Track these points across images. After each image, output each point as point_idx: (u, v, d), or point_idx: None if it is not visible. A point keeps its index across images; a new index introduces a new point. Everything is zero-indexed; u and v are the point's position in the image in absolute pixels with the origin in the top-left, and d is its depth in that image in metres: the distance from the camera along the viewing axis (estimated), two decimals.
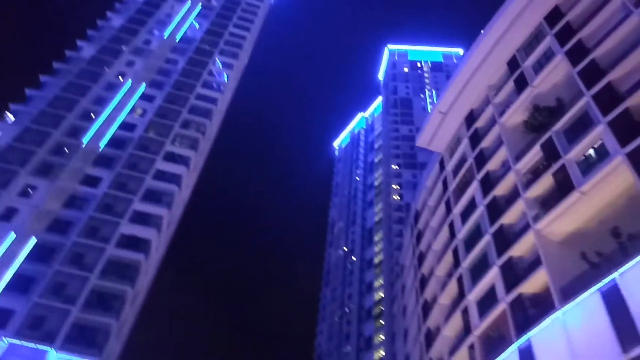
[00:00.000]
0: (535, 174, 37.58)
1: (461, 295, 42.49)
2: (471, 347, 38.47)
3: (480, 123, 49.95)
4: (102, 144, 66.70)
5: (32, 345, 45.34)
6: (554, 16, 43.37)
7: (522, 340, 32.00)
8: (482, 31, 49.50)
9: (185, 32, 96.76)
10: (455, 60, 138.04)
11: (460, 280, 43.41)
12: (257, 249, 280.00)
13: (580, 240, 32.22)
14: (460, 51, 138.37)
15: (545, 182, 35.54)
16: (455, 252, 45.85)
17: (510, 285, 35.48)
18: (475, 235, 43.26)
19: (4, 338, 45.44)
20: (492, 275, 38.20)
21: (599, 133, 32.25)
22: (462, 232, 45.34)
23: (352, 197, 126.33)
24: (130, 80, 76.80)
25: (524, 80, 43.34)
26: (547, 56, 42.27)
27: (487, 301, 38.35)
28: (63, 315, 47.76)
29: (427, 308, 50.76)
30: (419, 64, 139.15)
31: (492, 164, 44.52)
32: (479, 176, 45.24)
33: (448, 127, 56.23)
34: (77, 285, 50.17)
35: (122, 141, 68.73)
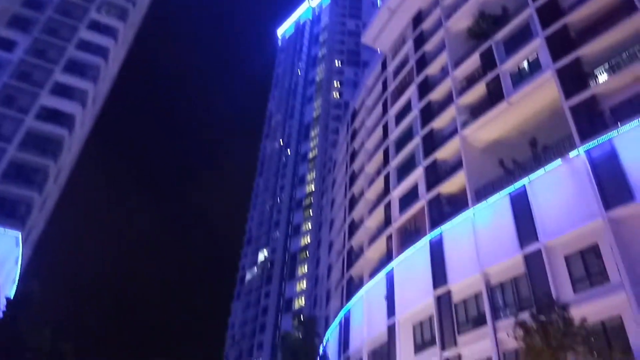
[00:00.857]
0: (470, 81, 38.59)
1: (386, 191, 45.04)
2: (389, 237, 41.77)
3: (426, 25, 49.34)
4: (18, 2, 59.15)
5: None
6: None
7: (434, 233, 35.14)
8: None
9: None
10: None
11: (387, 178, 45.72)
12: (190, 135, 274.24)
13: (500, 148, 34.43)
14: None
15: (478, 91, 36.74)
16: (386, 152, 47.69)
17: (431, 185, 37.98)
18: (406, 137, 44.89)
19: None
20: (417, 175, 40.54)
21: (536, 46, 33.10)
22: (395, 134, 46.80)
23: (292, 90, 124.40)
24: None
25: None
26: None
27: (409, 198, 41.07)
28: None
29: (353, 202, 53.62)
30: None
31: (432, 69, 44.98)
32: (418, 80, 45.75)
33: (395, 25, 55.18)
34: None
35: (40, 2, 61.37)
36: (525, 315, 18.41)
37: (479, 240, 30.99)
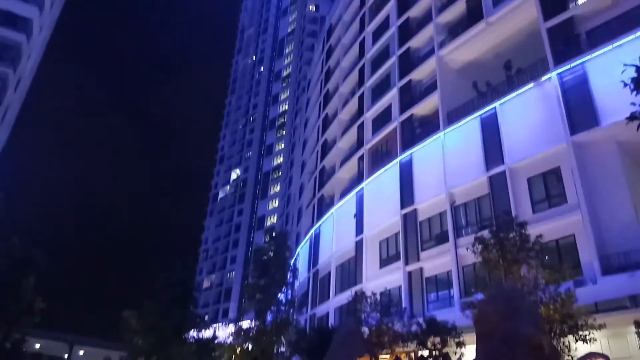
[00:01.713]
0: None
1: (360, 112, 44.78)
2: (361, 158, 42.22)
3: None
4: None
5: None
6: None
7: (405, 155, 35.64)
8: None
9: None
10: None
11: (361, 98, 45.25)
12: (160, 46, 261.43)
13: (475, 70, 34.14)
14: None
15: (459, 9, 35.65)
16: (362, 71, 46.77)
17: (405, 106, 37.86)
18: (383, 56, 43.88)
19: None
20: (391, 96, 40.22)
21: None
22: (371, 52, 45.65)
23: (266, 1, 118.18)
24: None
25: None
26: None
27: (382, 119, 41.04)
28: None
29: (327, 122, 53.30)
30: None
31: None
32: None
33: None
34: None
35: None
36: (485, 233, 19.31)
37: (447, 162, 31.63)
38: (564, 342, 15.45)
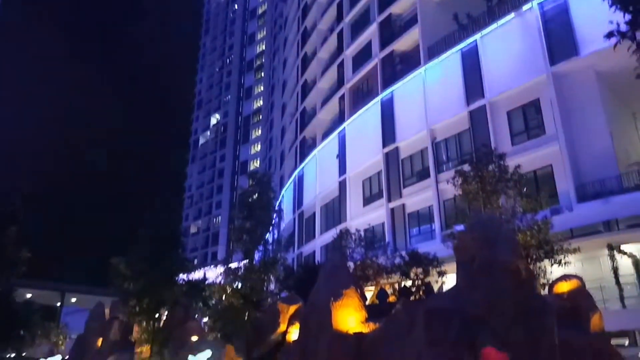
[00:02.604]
0: None
1: (340, 50, 43.74)
2: (342, 98, 41.73)
3: None
4: None
5: None
6: None
7: (386, 93, 35.32)
8: None
9: None
10: None
11: (340, 35, 44.03)
12: None
13: (455, 1, 33.21)
14: None
15: None
16: (340, 6, 45.20)
17: (385, 42, 37.05)
18: None
19: None
20: (371, 32, 39.21)
21: None
22: None
23: None
24: None
25: None
26: None
27: (362, 57, 40.22)
28: None
29: (306, 61, 52.08)
30: None
31: None
32: None
33: None
34: None
35: None
36: (465, 167, 19.61)
37: (428, 98, 31.48)
38: (539, 267, 16.17)
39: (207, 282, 22.77)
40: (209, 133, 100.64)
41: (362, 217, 34.53)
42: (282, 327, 17.61)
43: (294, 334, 16.84)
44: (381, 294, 20.10)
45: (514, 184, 16.75)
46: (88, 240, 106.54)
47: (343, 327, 14.20)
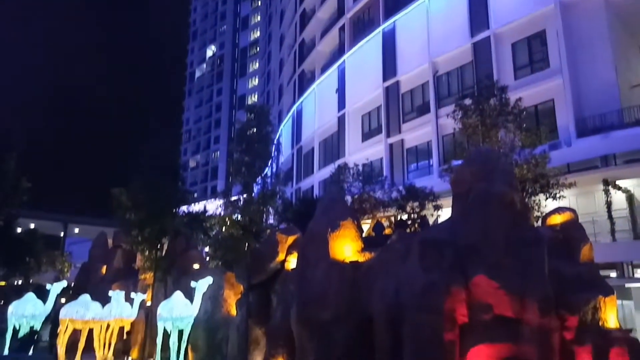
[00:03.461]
0: None
1: None
2: (342, 28, 40.37)
3: None
4: None
5: None
6: None
7: (388, 23, 34.09)
8: None
9: None
10: None
11: None
12: None
13: None
14: None
15: None
16: None
17: None
18: None
19: None
20: None
21: None
22: None
23: None
24: None
25: None
26: None
27: None
28: None
29: None
30: None
31: None
32: None
33: None
34: None
35: None
36: (466, 101, 19.34)
37: (431, 29, 30.46)
38: (534, 201, 16.41)
39: (207, 214, 23.13)
40: (205, 66, 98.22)
41: (360, 153, 34.52)
42: (281, 257, 18.13)
43: (292, 262, 17.37)
44: (377, 227, 20.54)
45: (514, 118, 16.59)
46: (88, 173, 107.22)
47: (340, 256, 14.62)
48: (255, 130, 20.96)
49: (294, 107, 47.74)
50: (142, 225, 20.83)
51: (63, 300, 22.80)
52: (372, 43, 35.56)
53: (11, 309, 19.21)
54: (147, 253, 21.44)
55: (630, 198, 20.76)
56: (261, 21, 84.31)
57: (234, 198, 20.94)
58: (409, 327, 11.26)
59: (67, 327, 18.62)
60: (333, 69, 40.18)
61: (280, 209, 22.72)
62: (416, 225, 19.86)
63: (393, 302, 12.10)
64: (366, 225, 21.57)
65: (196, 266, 21.48)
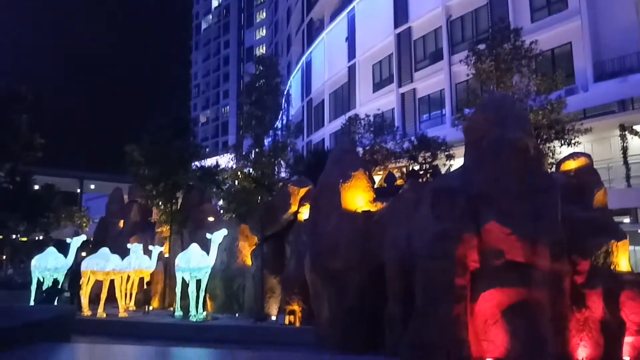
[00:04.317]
0: None
1: None
2: None
3: None
4: None
5: None
6: None
7: None
8: None
9: None
10: None
11: None
12: None
13: None
14: None
15: None
16: None
17: None
18: None
19: None
20: None
21: None
22: None
23: None
24: None
25: None
26: None
27: None
28: None
29: None
30: None
31: None
32: None
33: None
34: None
35: None
36: (480, 47, 18.74)
37: None
38: (549, 147, 16.17)
39: (219, 168, 23.27)
40: (210, 17, 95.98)
41: (371, 103, 34.05)
42: (293, 208, 18.34)
43: (304, 214, 17.58)
44: (389, 178, 20.54)
45: (528, 61, 16.08)
46: (102, 131, 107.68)
47: (351, 207, 14.74)
48: (264, 82, 20.65)
49: (303, 58, 46.80)
50: (156, 180, 21.11)
51: (83, 254, 23.50)
52: None
53: (34, 262, 19.89)
54: (162, 207, 21.83)
55: None
56: None
57: (245, 152, 20.94)
58: (421, 274, 11.44)
59: (89, 279, 19.29)
60: (342, 17, 39.01)
61: (292, 161, 22.74)
62: (428, 176, 19.82)
63: (405, 251, 12.26)
64: (378, 177, 21.59)
65: (211, 219, 21.85)
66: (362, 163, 16.52)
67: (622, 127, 20.12)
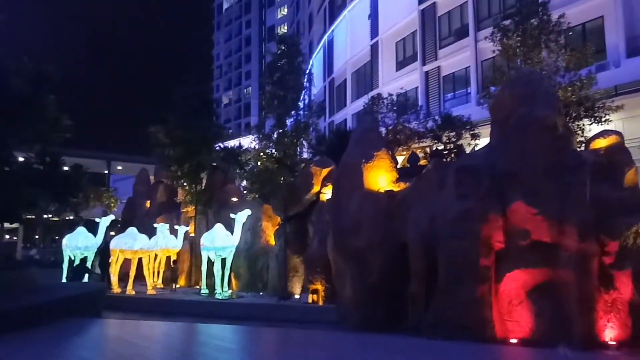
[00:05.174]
0: None
1: None
2: None
3: None
4: None
5: None
6: None
7: None
8: None
9: None
10: None
11: None
12: None
13: None
14: None
15: None
16: None
17: None
18: None
19: None
20: None
21: None
22: None
23: None
24: None
25: None
26: None
27: None
28: None
29: None
30: None
31: None
32: None
33: None
34: None
35: None
36: (507, 23, 18.20)
37: None
38: (578, 125, 15.71)
39: (242, 149, 23.43)
40: None
41: (394, 82, 33.54)
42: (316, 188, 18.39)
43: (327, 194, 17.61)
44: (412, 158, 20.33)
45: (557, 36, 15.52)
46: (128, 113, 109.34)
47: (374, 186, 14.68)
48: (286, 61, 20.55)
49: (325, 37, 46.29)
50: (181, 161, 21.42)
51: (112, 233, 24.16)
52: None
53: (65, 241, 20.57)
54: (187, 187, 22.19)
55: None
56: None
57: (267, 132, 20.99)
58: (444, 253, 11.40)
59: (117, 257, 19.86)
60: None
61: (314, 141, 22.71)
62: (452, 155, 19.54)
63: (428, 230, 12.20)
64: (401, 157, 21.41)
65: (234, 199, 22.12)
66: (384, 143, 16.41)
67: None
